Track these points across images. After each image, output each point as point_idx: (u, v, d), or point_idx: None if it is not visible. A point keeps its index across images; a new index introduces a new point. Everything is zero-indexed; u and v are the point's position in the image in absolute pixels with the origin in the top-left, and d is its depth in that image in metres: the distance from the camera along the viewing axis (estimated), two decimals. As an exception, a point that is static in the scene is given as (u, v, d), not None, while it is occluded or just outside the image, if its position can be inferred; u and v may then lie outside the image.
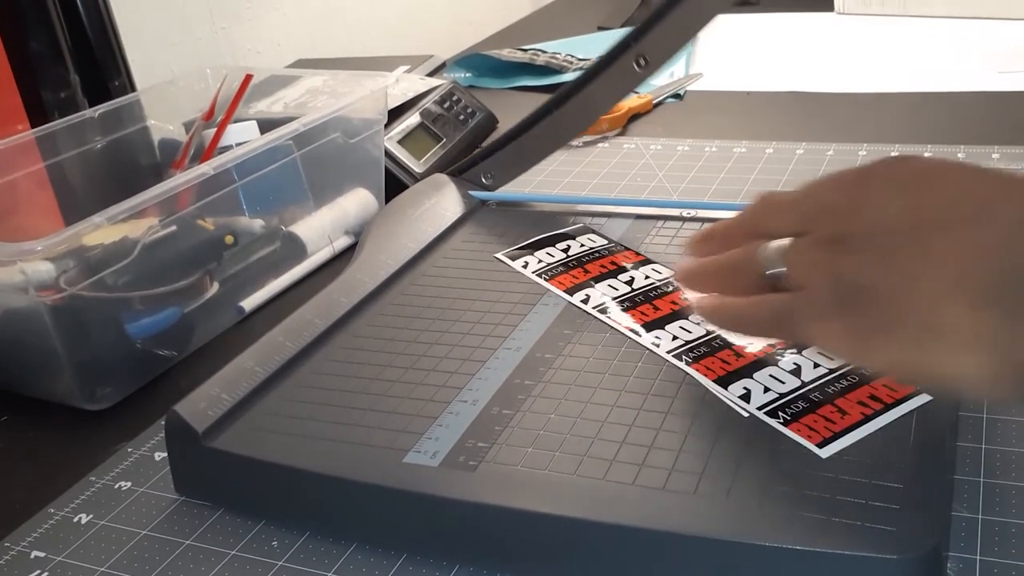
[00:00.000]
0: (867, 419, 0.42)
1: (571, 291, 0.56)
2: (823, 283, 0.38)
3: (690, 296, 0.47)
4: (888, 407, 0.42)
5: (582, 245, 0.61)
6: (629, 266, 0.58)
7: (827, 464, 0.39)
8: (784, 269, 0.40)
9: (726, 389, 0.45)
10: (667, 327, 0.51)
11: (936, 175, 0.38)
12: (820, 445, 0.41)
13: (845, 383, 0.44)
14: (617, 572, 0.38)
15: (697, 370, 0.47)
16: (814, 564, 0.35)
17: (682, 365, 0.48)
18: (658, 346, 0.49)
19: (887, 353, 0.36)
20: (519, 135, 0.70)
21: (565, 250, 0.60)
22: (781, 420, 0.43)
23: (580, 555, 0.39)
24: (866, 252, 0.37)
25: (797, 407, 0.43)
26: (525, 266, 0.59)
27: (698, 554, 0.37)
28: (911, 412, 0.42)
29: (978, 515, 0.40)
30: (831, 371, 0.45)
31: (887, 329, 0.36)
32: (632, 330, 0.51)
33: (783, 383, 0.45)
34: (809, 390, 0.44)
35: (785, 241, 0.40)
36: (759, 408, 0.44)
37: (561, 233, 0.63)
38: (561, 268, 0.58)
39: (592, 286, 0.56)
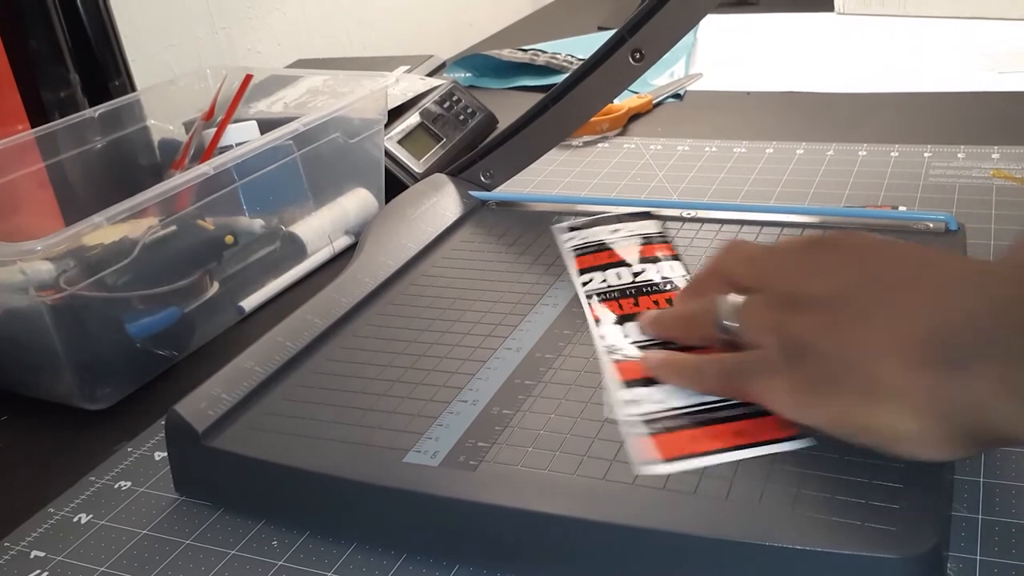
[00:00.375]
0: (729, 449, 0.41)
1: (583, 271, 0.57)
2: (772, 342, 0.40)
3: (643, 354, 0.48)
4: (762, 443, 0.41)
5: (631, 230, 0.61)
6: (650, 259, 0.58)
7: (827, 464, 0.39)
8: (738, 325, 0.43)
9: (623, 390, 0.45)
10: (626, 324, 0.51)
11: (881, 249, 0.41)
12: (657, 462, 0.40)
13: (737, 412, 0.43)
14: (617, 572, 0.38)
15: (617, 368, 0.47)
16: (814, 564, 0.35)
17: (604, 360, 0.48)
18: (602, 340, 0.50)
19: (827, 409, 0.38)
20: (516, 132, 0.70)
21: (614, 231, 0.61)
22: (646, 432, 0.42)
23: (580, 555, 0.39)
24: (813, 314, 0.39)
25: (672, 424, 0.43)
26: (569, 240, 0.61)
27: (698, 554, 0.37)
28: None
29: (978, 515, 0.40)
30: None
31: (828, 386, 0.38)
32: (597, 320, 0.52)
33: (680, 398, 0.44)
34: (699, 411, 0.43)
35: (741, 298, 0.43)
36: (638, 416, 0.43)
37: (624, 214, 0.63)
38: (593, 248, 0.59)
39: (602, 271, 0.56)
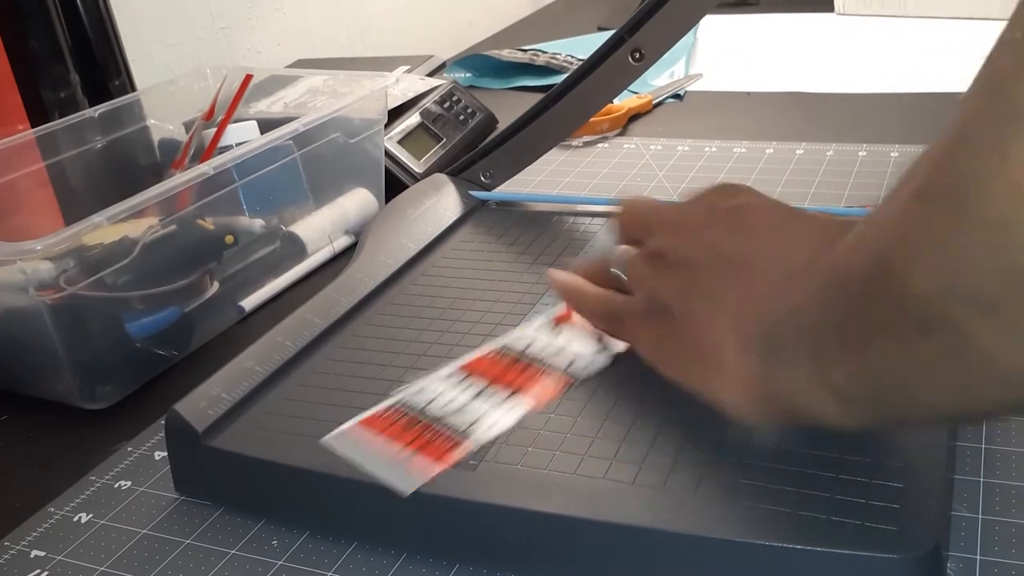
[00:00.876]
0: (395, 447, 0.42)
1: None
2: (642, 294, 0.46)
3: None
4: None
5: None
6: None
7: (827, 464, 0.39)
8: (623, 274, 0.47)
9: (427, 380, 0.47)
10: (567, 332, 0.50)
11: (758, 213, 0.43)
12: (344, 441, 0.43)
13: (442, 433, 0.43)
14: (617, 571, 0.38)
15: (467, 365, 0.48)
16: (814, 563, 0.35)
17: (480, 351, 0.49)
18: (517, 339, 0.50)
19: (673, 365, 0.43)
20: (516, 132, 0.70)
21: None
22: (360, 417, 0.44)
23: (580, 554, 0.39)
24: (676, 276, 0.43)
25: (393, 416, 0.44)
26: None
27: (698, 553, 0.37)
28: None
29: (978, 515, 0.40)
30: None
31: (677, 346, 0.43)
32: (558, 319, 0.52)
33: (437, 407, 0.45)
34: (428, 418, 0.44)
35: (620, 251, 0.48)
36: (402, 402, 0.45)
37: None
38: None
39: None
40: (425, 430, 0.43)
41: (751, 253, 0.41)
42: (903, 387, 0.32)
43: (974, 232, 0.27)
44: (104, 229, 0.54)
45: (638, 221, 0.49)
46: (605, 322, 0.49)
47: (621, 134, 0.90)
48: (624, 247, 0.48)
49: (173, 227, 0.59)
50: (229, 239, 0.63)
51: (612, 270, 0.48)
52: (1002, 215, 0.26)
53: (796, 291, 0.37)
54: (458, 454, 0.42)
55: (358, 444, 0.43)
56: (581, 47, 1.12)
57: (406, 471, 0.41)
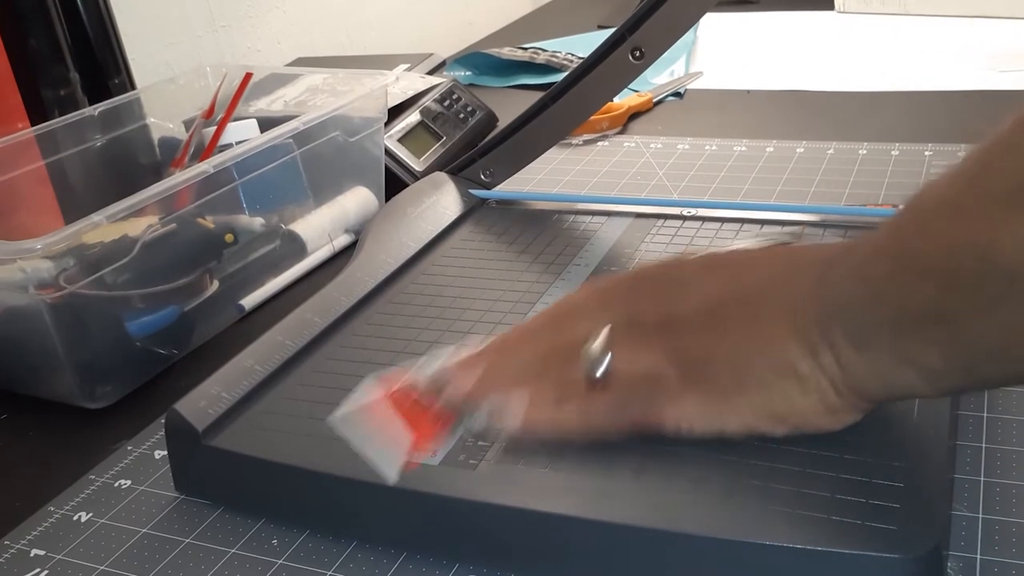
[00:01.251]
0: None
1: None
2: (668, 367, 0.40)
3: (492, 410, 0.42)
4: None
5: None
6: None
7: (827, 463, 0.39)
8: (604, 368, 0.40)
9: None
10: None
11: (720, 260, 0.42)
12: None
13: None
14: (617, 571, 0.38)
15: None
16: (814, 563, 0.35)
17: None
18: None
19: (742, 410, 0.39)
20: (517, 131, 0.70)
21: None
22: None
23: (580, 554, 0.39)
24: (701, 328, 0.40)
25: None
26: None
27: (698, 553, 0.37)
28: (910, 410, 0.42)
29: (978, 515, 0.40)
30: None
31: (738, 390, 0.39)
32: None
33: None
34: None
35: (599, 342, 0.41)
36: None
37: None
38: None
39: None
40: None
41: (765, 272, 0.40)
42: (1006, 353, 0.32)
43: None
44: (104, 228, 0.54)
45: (583, 317, 0.42)
46: (622, 419, 0.41)
47: (621, 132, 0.90)
48: (597, 343, 0.41)
49: (173, 226, 0.59)
50: (229, 238, 0.63)
51: (598, 372, 0.40)
52: None
53: (846, 277, 0.37)
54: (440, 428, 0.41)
55: (365, 424, 0.41)
56: (581, 45, 1.12)
57: (398, 455, 0.40)
